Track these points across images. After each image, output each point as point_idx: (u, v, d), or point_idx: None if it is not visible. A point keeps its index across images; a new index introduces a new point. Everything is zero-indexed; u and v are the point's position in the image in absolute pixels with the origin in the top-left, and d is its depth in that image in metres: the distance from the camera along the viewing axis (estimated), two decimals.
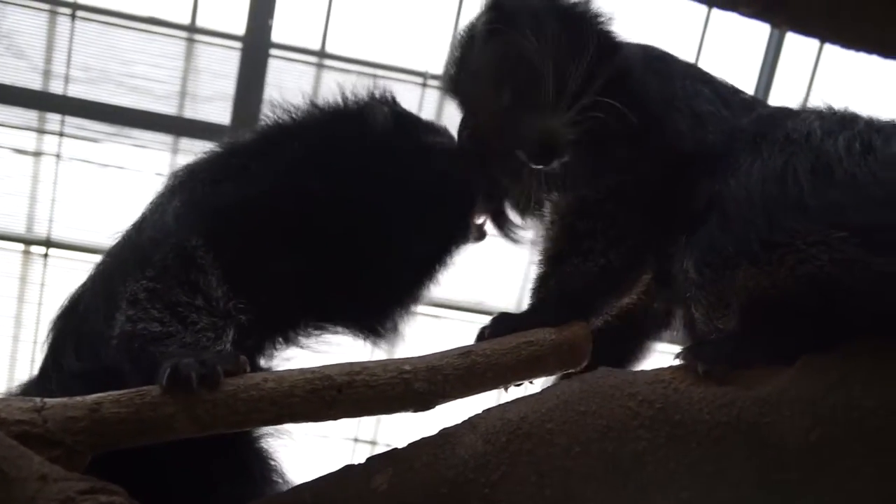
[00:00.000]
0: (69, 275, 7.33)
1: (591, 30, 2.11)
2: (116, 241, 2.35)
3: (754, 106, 2.12)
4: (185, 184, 2.33)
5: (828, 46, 1.50)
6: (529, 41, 2.06)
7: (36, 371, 2.31)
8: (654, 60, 2.17)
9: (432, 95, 7.62)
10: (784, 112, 2.06)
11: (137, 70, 7.16)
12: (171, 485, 2.03)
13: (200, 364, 1.84)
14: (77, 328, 2.23)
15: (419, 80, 7.60)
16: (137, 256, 2.20)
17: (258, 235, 2.22)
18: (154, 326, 2.04)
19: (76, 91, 7.01)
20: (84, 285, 2.33)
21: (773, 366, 1.80)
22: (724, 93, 2.13)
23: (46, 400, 1.82)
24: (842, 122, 1.91)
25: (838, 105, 2.02)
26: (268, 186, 2.26)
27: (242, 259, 2.18)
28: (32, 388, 2.21)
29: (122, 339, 2.06)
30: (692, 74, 2.16)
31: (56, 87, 6.96)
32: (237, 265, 2.16)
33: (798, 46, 7.59)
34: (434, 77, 7.60)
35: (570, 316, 2.07)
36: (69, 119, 7.05)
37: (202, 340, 2.03)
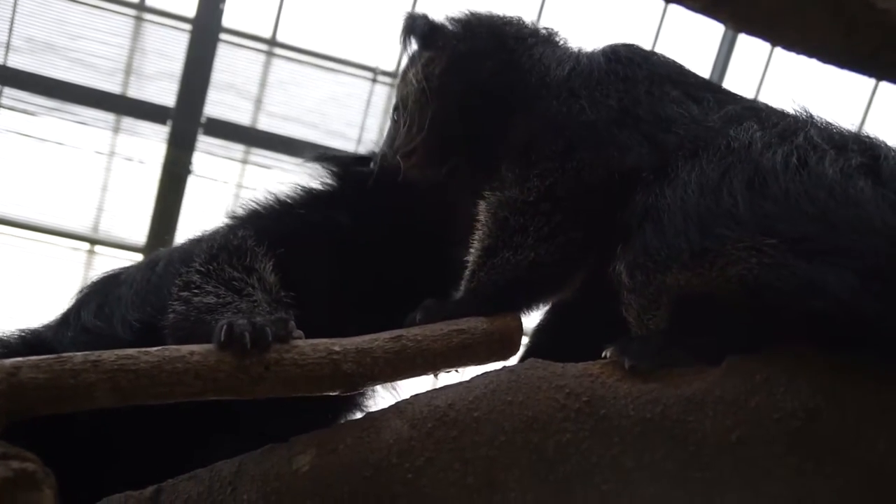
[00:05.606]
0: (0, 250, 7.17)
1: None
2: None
3: (727, 101, 2.14)
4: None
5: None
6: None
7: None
8: (616, 64, 2.21)
9: (382, 90, 7.62)
10: (750, 109, 2.09)
11: (83, 45, 7.04)
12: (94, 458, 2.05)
13: (252, 325, 1.85)
14: (109, 291, 2.36)
15: (369, 74, 7.59)
16: (185, 251, 2.35)
17: (305, 248, 2.34)
18: (209, 299, 2.08)
19: (17, 62, 6.86)
20: (136, 265, 2.46)
21: (700, 366, 1.83)
22: (695, 91, 2.17)
23: None
24: (782, 136, 1.96)
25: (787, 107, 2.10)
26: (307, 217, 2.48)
27: (290, 260, 2.25)
28: (50, 329, 2.34)
29: (178, 318, 2.08)
30: (660, 75, 2.19)
31: None
32: (286, 263, 2.23)
33: (751, 45, 7.80)
34: (384, 73, 7.60)
35: (502, 307, 2.09)
36: (8, 90, 6.91)
37: (256, 311, 2.03)
